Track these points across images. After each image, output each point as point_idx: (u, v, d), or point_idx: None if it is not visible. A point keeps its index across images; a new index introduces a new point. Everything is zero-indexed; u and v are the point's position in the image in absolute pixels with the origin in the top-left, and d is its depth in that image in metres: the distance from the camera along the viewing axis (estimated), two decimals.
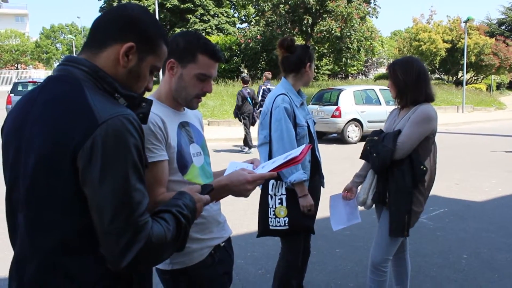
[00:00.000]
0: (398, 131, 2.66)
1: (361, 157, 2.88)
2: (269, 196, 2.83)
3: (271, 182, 2.82)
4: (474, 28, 31.73)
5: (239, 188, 1.58)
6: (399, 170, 2.64)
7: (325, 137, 13.54)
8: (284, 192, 2.81)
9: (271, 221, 2.81)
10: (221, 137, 13.48)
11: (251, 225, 5.25)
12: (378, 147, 2.66)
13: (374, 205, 2.89)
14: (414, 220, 2.73)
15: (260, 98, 10.97)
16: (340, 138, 12.93)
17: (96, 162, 1.08)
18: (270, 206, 2.82)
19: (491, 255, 4.32)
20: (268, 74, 11.44)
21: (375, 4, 26.89)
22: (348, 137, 12.80)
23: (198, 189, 1.46)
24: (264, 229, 2.89)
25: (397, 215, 2.67)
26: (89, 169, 1.09)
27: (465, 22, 23.71)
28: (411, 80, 2.70)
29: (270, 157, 2.78)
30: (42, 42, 64.79)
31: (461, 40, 30.59)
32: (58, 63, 1.31)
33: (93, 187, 1.10)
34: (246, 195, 1.61)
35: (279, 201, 2.81)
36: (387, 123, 2.95)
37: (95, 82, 1.20)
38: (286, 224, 2.79)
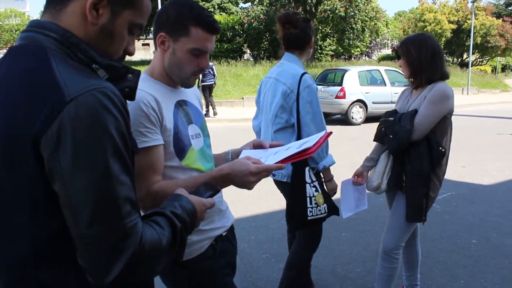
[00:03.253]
0: (415, 111, 2.51)
1: (375, 139, 2.73)
2: (307, 185, 2.60)
3: (306, 168, 2.60)
4: (481, 8, 31.28)
5: (242, 179, 1.41)
6: (416, 152, 2.50)
7: (328, 118, 13.36)
8: (314, 178, 2.63)
9: (311, 211, 2.59)
10: (224, 117, 13.33)
11: (255, 207, 5.16)
12: (394, 128, 2.51)
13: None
14: (430, 205, 2.61)
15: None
16: (344, 119, 12.77)
17: (65, 150, 0.86)
18: (310, 196, 2.60)
19: (500, 240, 4.22)
20: None
21: None
22: (352, 118, 12.64)
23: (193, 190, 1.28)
24: (301, 221, 2.64)
25: (414, 199, 2.54)
26: (56, 159, 0.87)
27: (473, 2, 23.26)
28: (426, 57, 2.54)
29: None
30: None
31: (467, 21, 30.17)
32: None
33: (64, 182, 0.88)
34: (249, 188, 1.43)
35: (314, 188, 2.62)
36: (399, 104, 2.79)
37: (66, 51, 0.96)
38: (326, 210, 2.64)
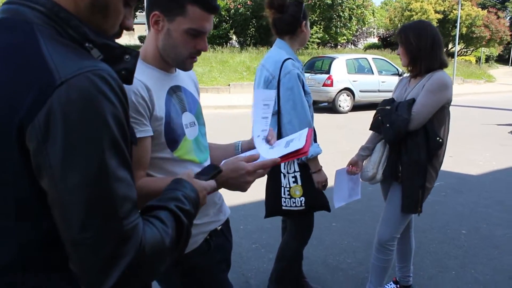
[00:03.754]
0: (413, 100, 2.43)
1: (371, 128, 2.64)
2: (282, 175, 2.54)
3: None
4: None
5: (238, 180, 1.30)
6: (413, 142, 2.43)
7: (315, 106, 13.27)
8: (297, 169, 2.53)
9: (284, 202, 2.54)
10: (210, 104, 13.16)
11: (243, 196, 5.05)
12: (391, 117, 2.43)
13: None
14: (426, 196, 2.55)
15: None
16: (331, 107, 12.71)
17: (54, 142, 0.74)
18: (284, 186, 2.54)
19: (490, 231, 4.22)
20: None
21: None
22: (340, 106, 12.58)
23: (197, 172, 1.17)
24: (274, 209, 2.62)
25: (410, 190, 2.48)
26: (44, 152, 0.75)
27: None
28: (425, 45, 2.45)
29: (279, 130, 2.49)
30: None
31: (453, 11, 30.30)
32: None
33: (53, 179, 0.76)
34: (245, 189, 1.33)
35: (293, 179, 2.53)
36: (396, 92, 2.70)
37: (55, 27, 0.83)
38: (303, 204, 2.54)
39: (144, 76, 1.38)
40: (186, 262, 1.51)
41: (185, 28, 1.37)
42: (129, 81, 0.94)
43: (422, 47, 2.45)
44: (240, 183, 1.31)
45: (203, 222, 1.55)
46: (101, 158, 0.77)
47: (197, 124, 1.55)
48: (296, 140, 1.44)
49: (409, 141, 2.44)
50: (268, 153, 1.48)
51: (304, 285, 3.08)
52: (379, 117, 2.52)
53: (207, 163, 1.58)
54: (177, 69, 1.54)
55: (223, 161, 1.38)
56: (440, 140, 2.44)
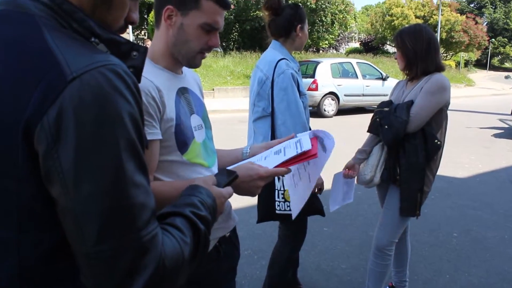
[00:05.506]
0: (411, 102, 2.40)
1: (369, 130, 2.60)
2: (276, 178, 2.47)
3: None
4: (446, 4, 31.98)
5: (249, 184, 1.26)
6: (411, 144, 2.39)
7: None
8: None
9: (278, 205, 2.46)
10: None
11: (233, 202, 4.97)
12: (390, 119, 2.39)
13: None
14: (424, 199, 2.52)
15: None
16: (316, 112, 12.71)
17: (66, 144, 0.67)
18: (278, 189, 2.46)
19: (480, 233, 4.23)
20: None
21: None
22: (325, 110, 12.59)
23: (214, 181, 1.10)
24: (268, 213, 2.53)
25: (408, 193, 2.44)
26: (55, 155, 0.67)
27: None
28: (421, 49, 2.43)
29: (273, 131, 2.44)
30: None
31: (433, 16, 30.80)
32: None
33: (65, 187, 0.68)
34: (255, 193, 1.29)
35: None
36: (393, 95, 2.68)
37: (58, 20, 0.76)
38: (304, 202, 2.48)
39: (154, 76, 1.33)
40: (195, 270, 1.43)
41: (199, 23, 1.34)
42: (137, 80, 0.86)
43: (418, 50, 2.44)
44: (250, 187, 1.28)
45: (213, 228, 1.48)
46: (118, 161, 0.70)
47: (204, 127, 1.50)
48: (302, 143, 1.37)
49: (407, 143, 2.41)
50: (270, 157, 1.42)
51: None
52: (377, 119, 2.48)
53: (215, 167, 1.52)
54: (183, 71, 1.49)
55: (235, 165, 1.34)
56: (438, 143, 2.42)
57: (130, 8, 0.88)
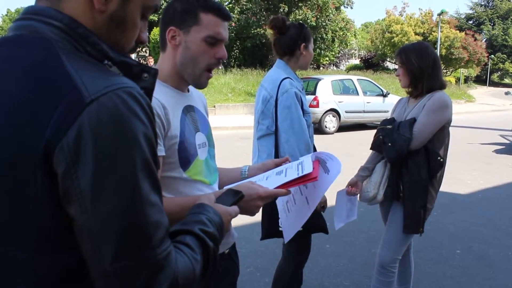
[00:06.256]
0: (414, 119, 2.43)
1: (372, 148, 2.62)
2: None
3: None
4: (445, 21, 32.24)
5: (249, 204, 1.26)
6: (413, 162, 2.41)
7: None
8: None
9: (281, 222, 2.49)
10: None
11: (235, 218, 4.98)
12: (393, 136, 2.42)
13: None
14: (427, 216, 2.53)
15: None
16: (317, 128, 12.75)
17: (85, 165, 0.69)
18: None
19: (483, 250, 4.21)
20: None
21: None
22: (326, 127, 12.64)
23: (216, 198, 1.13)
24: (271, 231, 2.53)
25: (412, 210, 2.45)
26: (74, 176, 0.69)
27: (439, 14, 23.87)
28: (427, 66, 2.47)
29: (276, 150, 2.47)
30: (6, 25, 62.08)
31: (432, 33, 31.05)
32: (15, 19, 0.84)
33: (84, 206, 0.70)
34: (254, 213, 1.29)
35: None
36: (396, 113, 2.71)
37: (73, 44, 0.78)
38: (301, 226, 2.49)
39: (160, 94, 1.36)
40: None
41: (202, 37, 1.39)
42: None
43: (425, 67, 2.47)
44: (250, 207, 1.28)
45: None
46: (135, 181, 0.72)
47: (207, 145, 1.53)
48: (303, 166, 1.39)
49: (410, 161, 2.43)
50: (272, 177, 1.43)
51: None
52: (380, 136, 2.51)
53: (216, 184, 1.55)
54: (189, 90, 1.53)
55: (235, 184, 1.35)
56: (441, 160, 2.44)
57: (140, 28, 0.90)
